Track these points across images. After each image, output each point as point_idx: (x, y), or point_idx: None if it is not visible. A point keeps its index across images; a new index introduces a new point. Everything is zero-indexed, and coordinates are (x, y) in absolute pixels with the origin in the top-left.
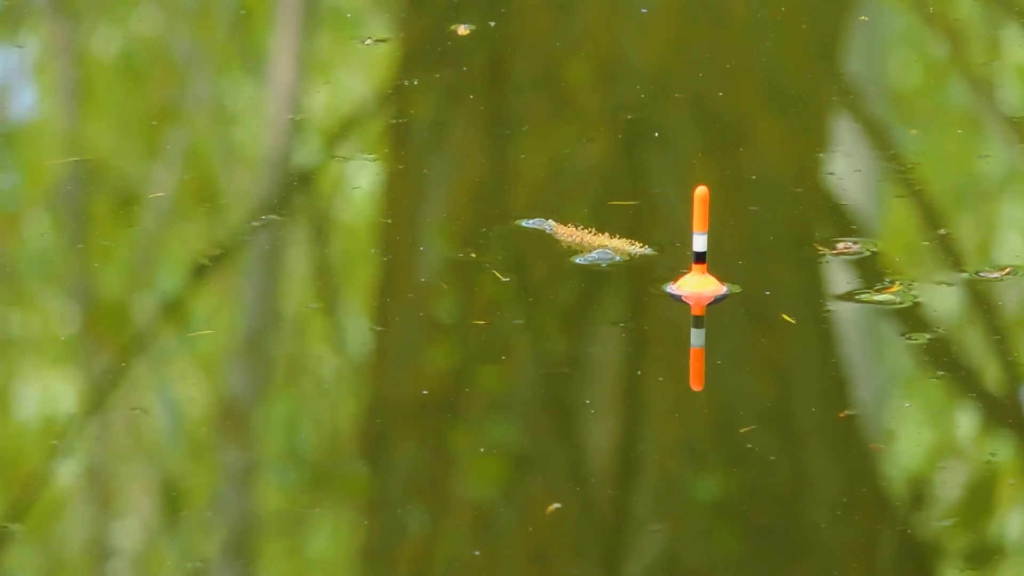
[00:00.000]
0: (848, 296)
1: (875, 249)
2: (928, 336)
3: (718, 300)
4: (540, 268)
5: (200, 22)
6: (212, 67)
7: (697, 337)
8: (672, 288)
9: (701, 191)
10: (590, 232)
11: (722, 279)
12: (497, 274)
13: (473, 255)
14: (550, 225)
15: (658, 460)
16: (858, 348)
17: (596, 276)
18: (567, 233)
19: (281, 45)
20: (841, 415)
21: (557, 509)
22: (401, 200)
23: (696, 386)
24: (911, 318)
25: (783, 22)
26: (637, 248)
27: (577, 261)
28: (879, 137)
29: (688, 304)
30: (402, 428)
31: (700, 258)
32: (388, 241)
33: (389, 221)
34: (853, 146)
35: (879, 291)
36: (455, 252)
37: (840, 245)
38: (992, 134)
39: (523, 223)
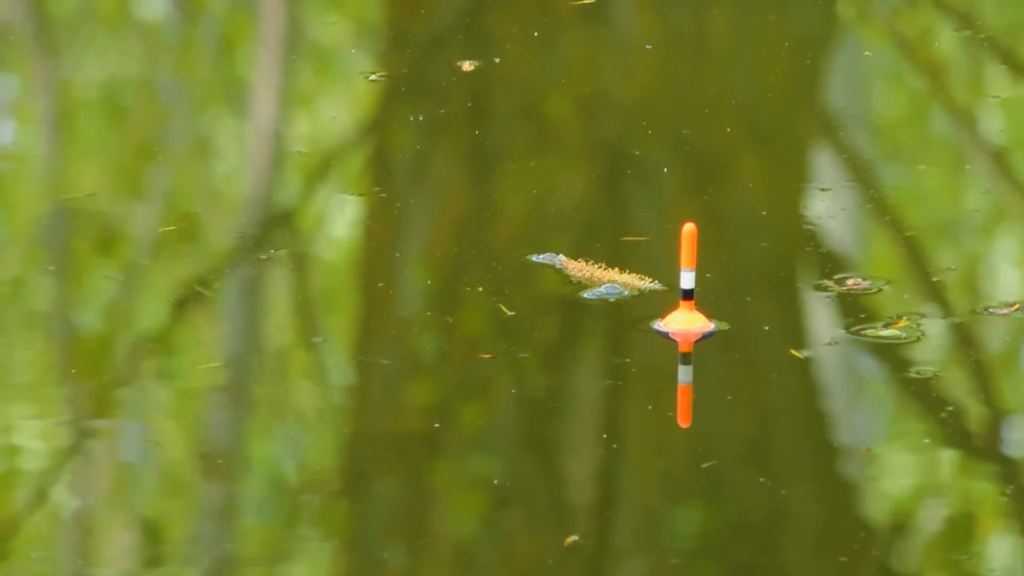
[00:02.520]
0: (855, 331)
1: (885, 286)
2: (934, 370)
3: (706, 337)
4: (546, 303)
5: (211, 59)
6: (227, 105)
7: (685, 374)
8: (660, 325)
9: (689, 228)
10: (600, 267)
11: (710, 316)
12: (503, 308)
13: (480, 289)
14: (560, 260)
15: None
16: (862, 383)
17: (590, 311)
18: (577, 268)
19: (283, 81)
20: (863, 451)
21: (574, 542)
22: (411, 234)
23: (684, 423)
24: (918, 353)
25: (781, 56)
26: (647, 283)
27: (586, 296)
28: (875, 173)
29: (675, 341)
30: (386, 463)
31: (688, 295)
32: (394, 275)
33: (397, 255)
34: (849, 181)
35: (886, 326)
36: (463, 286)
37: (849, 282)
38: (985, 168)
39: (533, 258)
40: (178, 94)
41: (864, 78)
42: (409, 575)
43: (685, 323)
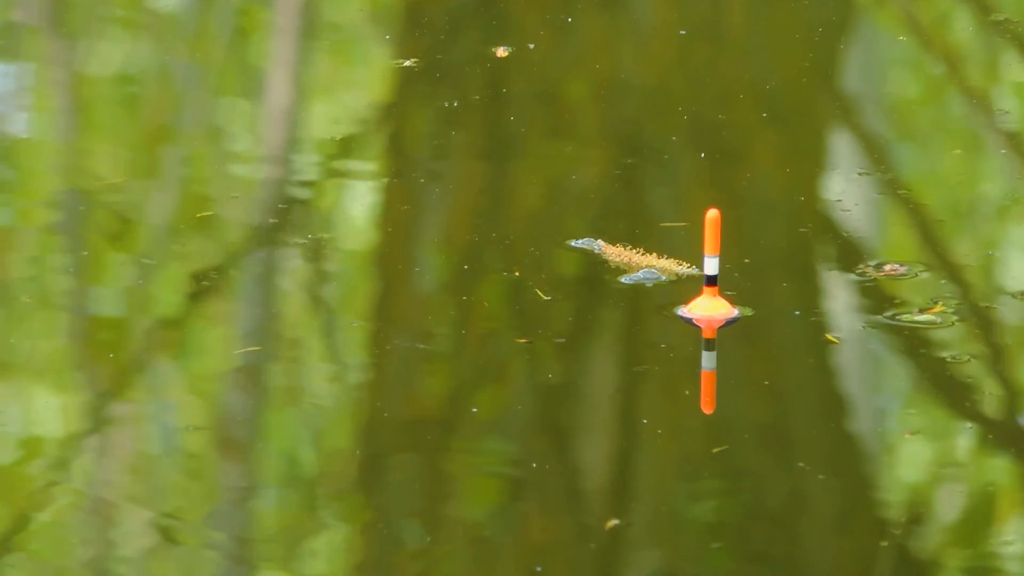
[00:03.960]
0: (891, 316)
1: (923, 272)
2: (970, 355)
3: (729, 323)
4: (581, 288)
5: (237, 47)
6: (272, 90)
7: (708, 360)
8: (683, 311)
9: (713, 214)
10: (638, 252)
11: (734, 302)
12: (539, 292)
13: (517, 273)
14: (599, 245)
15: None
16: (896, 368)
17: (619, 296)
18: (615, 253)
19: (306, 68)
20: (908, 435)
21: (616, 525)
22: (453, 219)
23: (707, 409)
24: (952, 338)
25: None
26: (684, 268)
27: (623, 281)
28: (905, 158)
29: (699, 327)
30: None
31: (712, 281)
32: (432, 259)
33: (436, 240)
34: (878, 168)
35: (921, 311)
36: (501, 271)
37: (887, 267)
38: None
39: (572, 243)
40: (201, 80)
41: (885, 63)
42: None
43: (708, 309)
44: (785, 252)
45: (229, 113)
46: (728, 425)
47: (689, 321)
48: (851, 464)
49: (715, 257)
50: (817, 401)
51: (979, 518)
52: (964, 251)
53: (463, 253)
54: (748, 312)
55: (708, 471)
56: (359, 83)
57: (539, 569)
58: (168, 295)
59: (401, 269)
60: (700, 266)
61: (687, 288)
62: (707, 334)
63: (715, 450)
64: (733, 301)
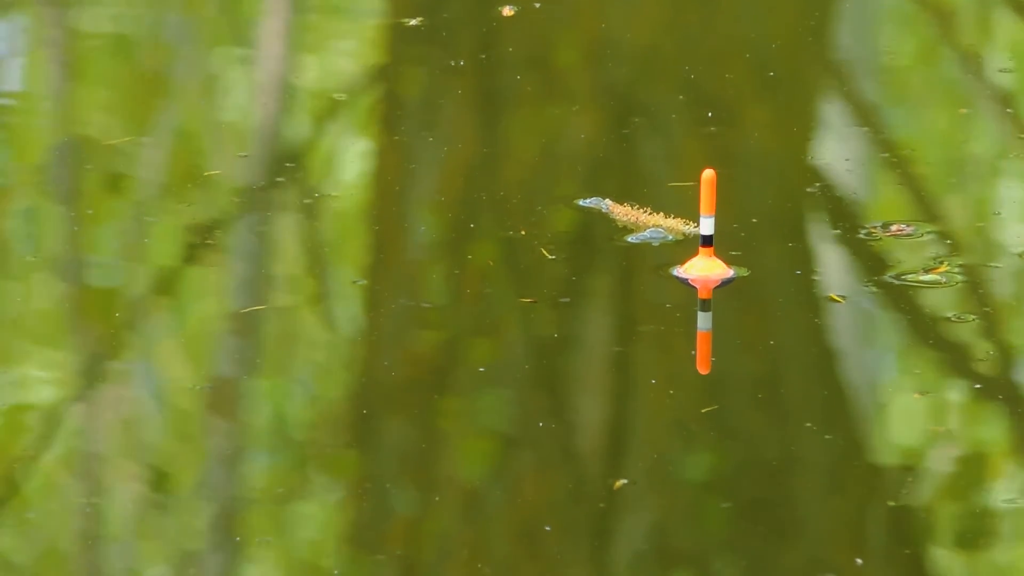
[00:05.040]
0: (897, 276)
1: (931, 231)
2: (973, 317)
3: (725, 283)
4: (589, 247)
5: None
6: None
7: (704, 320)
8: (679, 271)
9: (708, 174)
10: (646, 212)
11: (729, 263)
12: (544, 252)
13: (523, 232)
14: (606, 204)
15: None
16: (901, 326)
17: (620, 255)
18: (623, 212)
19: (330, 27)
20: (916, 396)
21: (624, 485)
22: (457, 178)
23: (703, 369)
24: (956, 298)
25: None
26: (691, 227)
27: (629, 240)
28: (908, 119)
29: (695, 287)
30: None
31: (707, 241)
32: (442, 218)
33: (442, 199)
34: (880, 128)
35: (926, 271)
36: (507, 231)
37: (893, 227)
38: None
39: (580, 202)
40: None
41: (881, 23)
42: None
43: (704, 270)
44: (789, 212)
45: (225, 70)
46: (723, 385)
47: (685, 282)
48: (858, 424)
49: (711, 217)
50: (816, 358)
51: (980, 476)
52: (969, 211)
53: (467, 212)
54: (744, 272)
55: (703, 430)
56: (365, 41)
57: (548, 528)
58: (164, 253)
59: (404, 228)
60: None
61: (692, 248)
62: (703, 294)
63: (704, 410)
64: (737, 261)
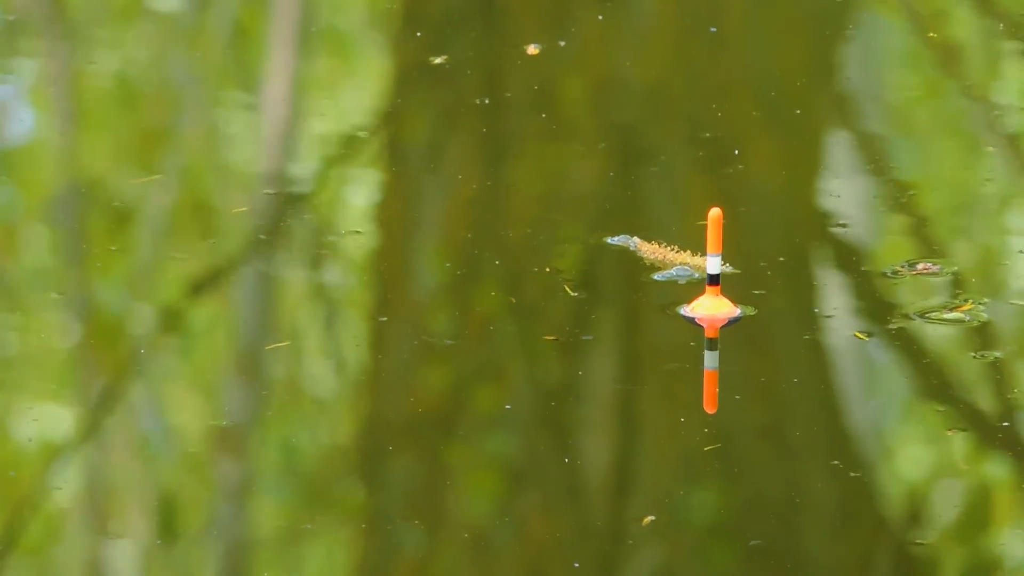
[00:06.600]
0: (921, 313)
1: (955, 270)
2: (996, 354)
3: (732, 322)
4: (614, 284)
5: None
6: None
7: (711, 359)
8: (686, 310)
9: (715, 213)
10: (673, 249)
11: (747, 301)
12: (568, 289)
13: (548, 270)
14: (634, 242)
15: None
16: (927, 366)
17: (660, 289)
18: (650, 250)
19: (358, 67)
20: (950, 432)
21: (652, 521)
22: (487, 215)
23: (710, 408)
24: (981, 336)
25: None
26: (726, 267)
27: (656, 278)
28: (923, 158)
29: (701, 327)
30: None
31: (714, 280)
32: (464, 255)
33: (469, 236)
34: (891, 166)
35: (950, 309)
36: (533, 267)
37: (919, 266)
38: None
39: (609, 240)
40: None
41: (887, 59)
42: None
43: (711, 309)
44: (803, 250)
45: (230, 114)
46: (727, 425)
47: (691, 321)
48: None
49: (717, 256)
50: (826, 398)
51: (994, 517)
52: (992, 250)
53: (492, 249)
54: (750, 311)
55: (706, 469)
56: (389, 80)
57: (577, 565)
58: (163, 293)
59: (421, 266)
60: (733, 264)
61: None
62: (710, 333)
63: (707, 448)
64: (759, 300)
